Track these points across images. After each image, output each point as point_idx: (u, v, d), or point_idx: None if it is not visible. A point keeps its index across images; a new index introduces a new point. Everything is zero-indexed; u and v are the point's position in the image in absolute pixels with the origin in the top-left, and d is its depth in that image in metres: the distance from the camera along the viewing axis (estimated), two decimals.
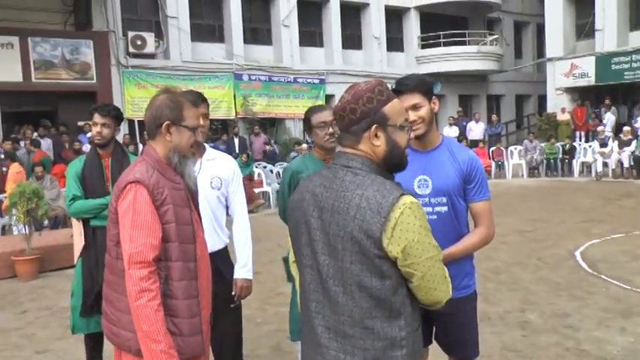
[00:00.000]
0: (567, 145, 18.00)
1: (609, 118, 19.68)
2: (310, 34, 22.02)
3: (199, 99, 3.23)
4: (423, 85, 2.79)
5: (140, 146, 14.81)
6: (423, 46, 24.79)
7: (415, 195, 2.77)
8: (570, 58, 22.73)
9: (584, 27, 22.65)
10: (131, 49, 17.52)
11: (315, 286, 1.98)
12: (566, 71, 22.72)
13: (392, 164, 2.00)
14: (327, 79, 21.33)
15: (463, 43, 24.55)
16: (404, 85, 2.77)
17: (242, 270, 3.40)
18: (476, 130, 20.29)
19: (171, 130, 2.40)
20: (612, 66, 21.11)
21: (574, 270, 7.06)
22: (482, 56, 24.59)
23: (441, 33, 24.17)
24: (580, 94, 22.88)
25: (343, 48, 22.39)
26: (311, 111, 3.55)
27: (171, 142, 2.41)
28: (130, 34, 17.54)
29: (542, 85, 24.61)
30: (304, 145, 15.38)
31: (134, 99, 17.33)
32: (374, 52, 23.24)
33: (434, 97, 2.82)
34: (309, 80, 20.48)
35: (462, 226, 2.85)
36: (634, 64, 20.32)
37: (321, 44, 22.34)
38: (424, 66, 24.31)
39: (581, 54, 22.46)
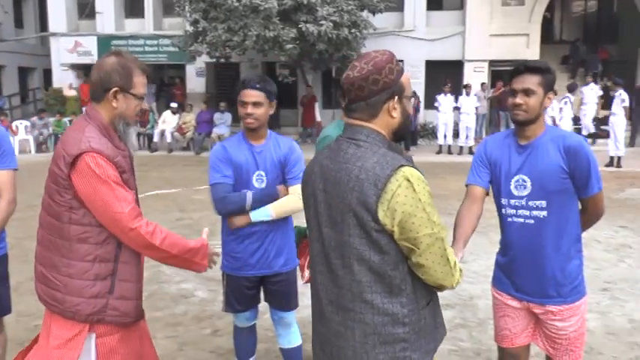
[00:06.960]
0: (72, 121, 18.88)
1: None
2: None
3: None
4: None
5: None
6: None
7: None
8: (75, 35, 23.61)
9: (85, 7, 23.84)
10: None
11: (320, 259, 2.02)
12: (71, 48, 23.60)
13: (402, 134, 2.05)
14: None
15: None
16: None
17: None
18: None
19: (119, 96, 2.36)
20: (112, 47, 22.87)
21: None
22: None
23: None
24: (85, 71, 24.06)
25: None
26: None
27: (117, 108, 2.37)
28: None
29: (48, 59, 24.83)
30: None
31: None
32: None
33: None
34: None
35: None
36: (130, 48, 22.53)
37: None
38: None
39: (85, 33, 23.61)
